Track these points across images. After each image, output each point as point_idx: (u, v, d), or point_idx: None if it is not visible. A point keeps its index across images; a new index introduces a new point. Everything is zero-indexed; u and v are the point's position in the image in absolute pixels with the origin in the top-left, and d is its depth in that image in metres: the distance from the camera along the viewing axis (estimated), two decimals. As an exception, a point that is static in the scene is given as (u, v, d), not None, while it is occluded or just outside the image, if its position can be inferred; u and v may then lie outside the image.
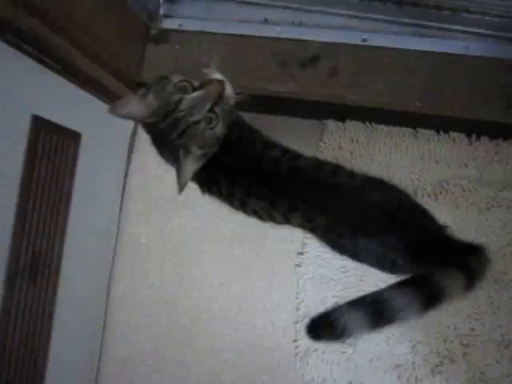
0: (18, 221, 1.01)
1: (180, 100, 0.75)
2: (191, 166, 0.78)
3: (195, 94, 0.75)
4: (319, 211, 0.80)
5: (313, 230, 0.85)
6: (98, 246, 1.39)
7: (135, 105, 0.76)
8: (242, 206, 0.88)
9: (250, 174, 0.83)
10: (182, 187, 0.78)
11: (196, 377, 1.35)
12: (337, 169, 0.83)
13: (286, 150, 0.86)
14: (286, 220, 0.85)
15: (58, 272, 1.16)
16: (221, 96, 0.77)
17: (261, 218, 0.89)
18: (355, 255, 0.83)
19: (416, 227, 0.78)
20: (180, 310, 1.38)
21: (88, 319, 1.37)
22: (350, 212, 0.77)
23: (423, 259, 0.75)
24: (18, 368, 1.05)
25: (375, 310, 0.64)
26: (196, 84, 0.77)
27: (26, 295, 1.06)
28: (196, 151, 0.78)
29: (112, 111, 0.76)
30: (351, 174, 0.82)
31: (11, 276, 1.00)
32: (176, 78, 0.77)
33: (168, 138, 0.77)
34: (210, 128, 0.77)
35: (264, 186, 0.83)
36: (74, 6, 0.97)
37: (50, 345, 1.15)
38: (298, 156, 0.86)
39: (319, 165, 0.84)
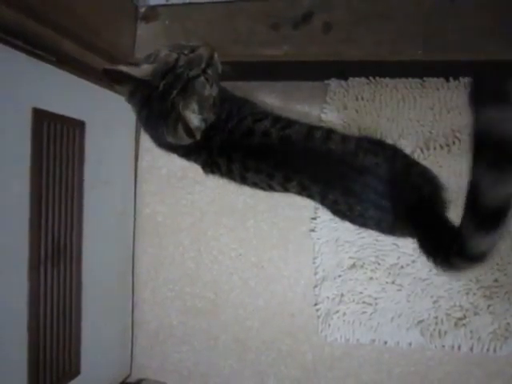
0: (33, 212, 1.05)
1: (179, 57, 0.78)
2: (194, 117, 0.78)
3: (191, 54, 0.79)
4: (312, 179, 0.79)
5: (310, 197, 0.84)
6: (117, 228, 1.43)
7: (127, 67, 0.77)
8: (243, 181, 0.89)
9: (243, 150, 0.84)
10: (195, 132, 0.78)
11: (223, 345, 1.41)
12: (329, 134, 0.80)
13: (277, 120, 0.85)
14: (285, 189, 0.85)
15: (79, 257, 1.21)
16: (211, 58, 0.80)
17: (263, 189, 0.90)
18: (354, 220, 0.82)
19: (411, 190, 0.76)
20: (202, 283, 1.42)
21: (116, 298, 1.44)
22: (342, 179, 0.76)
23: (417, 223, 0.73)
24: (53, 353, 1.12)
25: None
26: (186, 51, 0.80)
27: (52, 282, 1.11)
28: (195, 108, 0.78)
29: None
30: (344, 139, 0.79)
31: (34, 266, 1.06)
32: (166, 48, 0.80)
33: (167, 96, 0.77)
34: (209, 86, 0.79)
35: (258, 159, 0.83)
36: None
37: (82, 326, 1.22)
38: (290, 124, 0.84)
39: (311, 131, 0.81)
